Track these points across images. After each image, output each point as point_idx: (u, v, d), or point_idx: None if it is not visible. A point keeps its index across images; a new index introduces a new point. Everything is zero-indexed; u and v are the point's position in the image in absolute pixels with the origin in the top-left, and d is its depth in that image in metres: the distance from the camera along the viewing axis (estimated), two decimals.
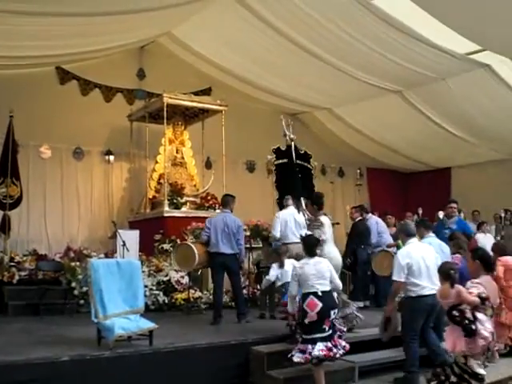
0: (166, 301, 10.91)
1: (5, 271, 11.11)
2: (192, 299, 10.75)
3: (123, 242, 9.78)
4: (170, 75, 14.43)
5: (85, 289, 10.10)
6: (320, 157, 17.29)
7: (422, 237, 7.96)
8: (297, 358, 6.79)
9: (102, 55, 13.64)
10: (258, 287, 10.99)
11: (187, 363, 7.25)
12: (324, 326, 6.80)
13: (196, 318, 9.93)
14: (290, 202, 10.08)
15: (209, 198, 13.42)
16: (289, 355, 6.93)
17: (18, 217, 13.06)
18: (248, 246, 11.29)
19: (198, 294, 10.87)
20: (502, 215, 14.00)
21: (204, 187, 13.81)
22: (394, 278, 7.23)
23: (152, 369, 6.99)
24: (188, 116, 14.72)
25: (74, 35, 11.31)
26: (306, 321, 6.84)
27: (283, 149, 10.92)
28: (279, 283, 9.29)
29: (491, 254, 8.41)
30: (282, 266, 9.27)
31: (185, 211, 12.95)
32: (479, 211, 14.39)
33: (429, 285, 6.89)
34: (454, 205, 11.03)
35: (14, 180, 12.13)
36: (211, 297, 10.23)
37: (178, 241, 11.71)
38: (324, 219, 8.35)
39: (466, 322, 5.69)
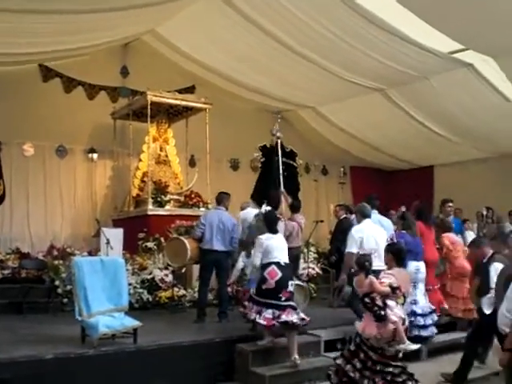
0: (150, 299, 10.91)
1: None
2: (176, 297, 10.78)
3: (107, 240, 9.77)
4: (153, 73, 14.38)
5: (68, 287, 10.07)
6: (304, 155, 17.41)
7: None
8: (259, 319, 7.47)
9: (85, 53, 13.55)
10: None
11: (171, 361, 7.28)
12: (280, 295, 7.51)
13: (180, 316, 9.96)
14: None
15: (193, 196, 13.39)
16: (246, 316, 7.70)
17: (0, 215, 13.02)
18: None
19: (182, 292, 10.91)
20: (484, 213, 14.15)
21: (188, 185, 13.79)
22: (347, 249, 8.34)
23: (136, 367, 7.01)
24: (172, 114, 14.68)
25: (58, 33, 11.23)
26: (264, 287, 7.58)
27: (269, 146, 11.01)
28: (247, 271, 9.20)
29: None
30: (249, 255, 9.15)
31: (169, 209, 12.92)
32: (461, 209, 14.49)
33: (376, 261, 7.33)
34: (451, 204, 11.60)
35: None
36: (195, 295, 10.22)
37: (162, 239, 11.72)
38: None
39: (376, 308, 6.16)
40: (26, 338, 7.76)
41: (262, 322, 7.48)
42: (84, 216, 14.44)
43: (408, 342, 6.29)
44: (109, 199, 14.77)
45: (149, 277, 11.17)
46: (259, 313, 7.52)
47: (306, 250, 12.87)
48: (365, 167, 19.38)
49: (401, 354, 6.28)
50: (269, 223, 8.16)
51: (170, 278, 11.01)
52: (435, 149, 16.75)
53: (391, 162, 19.02)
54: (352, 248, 8.26)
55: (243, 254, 9.48)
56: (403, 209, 12.26)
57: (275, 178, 10.99)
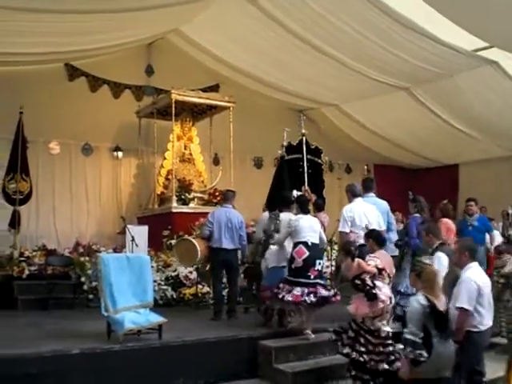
0: (174, 296, 10.98)
1: (14, 266, 11.23)
2: (200, 294, 10.83)
3: (132, 237, 9.86)
4: (178, 72, 14.49)
5: (94, 283, 10.21)
6: (327, 153, 17.23)
7: (362, 195, 9.01)
8: (288, 296, 7.75)
9: (110, 52, 13.68)
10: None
11: (196, 357, 7.34)
12: (309, 274, 7.85)
13: (204, 313, 9.97)
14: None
15: (216, 194, 13.45)
16: (279, 296, 7.86)
17: (27, 212, 13.16)
18: None
19: (206, 289, 10.93)
20: (510, 212, 14.00)
21: (212, 183, 13.87)
22: (339, 229, 8.59)
23: (161, 362, 7.07)
24: (196, 112, 14.78)
25: (83, 32, 11.36)
26: (293, 266, 7.94)
27: (294, 144, 11.02)
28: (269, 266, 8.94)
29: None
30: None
31: (193, 207, 13.02)
32: (486, 208, 14.37)
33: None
34: (472, 203, 11.53)
35: (23, 176, 12.25)
36: (230, 292, 10.17)
37: (195, 242, 11.74)
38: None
39: (367, 287, 6.55)
40: (52, 333, 7.86)
41: (290, 298, 7.76)
42: (109, 213, 14.59)
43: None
44: (133, 197, 14.90)
45: (173, 274, 11.25)
46: (289, 291, 7.81)
47: (329, 248, 12.85)
48: (389, 165, 19.32)
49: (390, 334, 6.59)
50: (301, 205, 8.53)
51: (194, 276, 11.06)
52: (460, 147, 16.65)
53: (415, 160, 18.93)
54: (344, 228, 8.48)
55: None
56: (410, 193, 12.22)
57: (297, 178, 10.96)
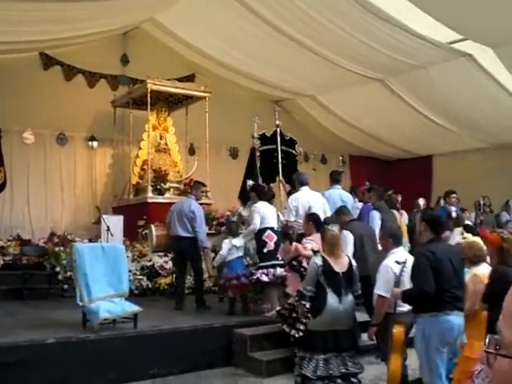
0: (150, 285, 11.01)
1: None
2: (175, 284, 10.85)
3: (107, 227, 9.86)
4: (153, 61, 14.42)
5: (69, 273, 10.19)
6: (303, 144, 17.31)
7: (330, 186, 9.75)
8: (264, 277, 8.24)
9: (85, 41, 13.60)
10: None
11: (171, 346, 7.38)
12: (278, 256, 8.41)
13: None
14: None
15: (192, 184, 13.44)
16: (254, 277, 8.34)
17: (1, 202, 13.13)
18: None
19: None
20: (481, 202, 14.22)
21: (187, 173, 13.87)
22: (285, 218, 8.93)
23: (137, 351, 7.10)
24: (172, 102, 14.75)
25: (59, 21, 11.30)
26: (265, 250, 8.44)
27: (268, 135, 11.08)
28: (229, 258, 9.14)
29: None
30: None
31: (168, 197, 12.99)
32: (459, 198, 14.57)
33: None
34: (455, 195, 12.30)
35: None
36: (193, 281, 10.29)
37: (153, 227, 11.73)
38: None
39: (302, 269, 7.15)
40: (27, 323, 7.86)
41: (278, 274, 8.23)
42: (84, 204, 14.53)
43: None
44: (109, 187, 14.85)
45: (148, 264, 11.27)
46: (266, 274, 8.29)
47: None
48: (364, 156, 19.45)
49: None
50: (257, 192, 9.04)
51: (169, 265, 11.09)
52: (434, 138, 16.81)
53: (390, 152, 19.09)
54: (289, 217, 8.79)
55: (227, 241, 9.43)
56: (399, 198, 12.44)
57: (271, 169, 11.04)
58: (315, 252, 7.04)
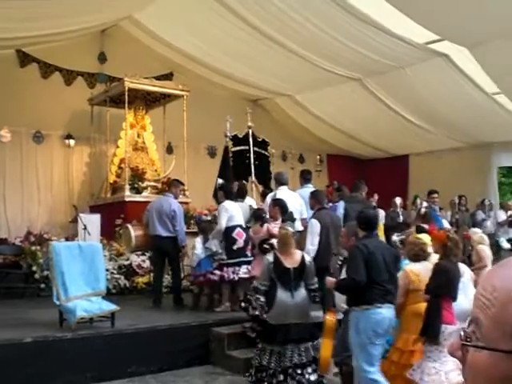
0: (128, 285, 11.00)
1: None
2: (153, 283, 10.83)
3: (84, 225, 9.79)
4: (131, 59, 14.36)
5: (45, 273, 10.14)
6: (281, 143, 17.53)
7: (301, 185, 9.66)
8: (235, 277, 8.57)
9: (63, 38, 13.51)
10: None
11: (149, 344, 7.39)
12: (247, 252, 8.84)
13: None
14: None
15: (170, 182, 13.45)
16: (220, 274, 8.66)
17: None
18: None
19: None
20: (457, 201, 14.36)
21: (165, 172, 13.85)
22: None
23: (114, 350, 7.10)
24: (149, 100, 14.69)
25: (35, 18, 11.20)
26: (235, 247, 8.77)
27: (241, 136, 11.15)
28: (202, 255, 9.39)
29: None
30: (206, 241, 9.45)
31: (146, 196, 12.95)
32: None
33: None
34: (436, 195, 12.64)
35: None
36: (171, 280, 10.31)
37: (130, 227, 11.73)
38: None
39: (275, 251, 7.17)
40: (3, 322, 7.79)
41: (242, 275, 8.56)
42: (61, 202, 14.40)
43: None
44: (86, 185, 14.74)
45: (126, 263, 11.25)
46: (234, 272, 8.62)
47: None
48: (341, 155, 19.55)
49: None
50: (225, 192, 9.31)
51: (147, 264, 11.08)
52: (410, 138, 16.95)
53: (367, 151, 19.21)
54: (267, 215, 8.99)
55: (199, 239, 9.55)
56: (376, 197, 12.60)
57: (244, 169, 11.12)
58: None
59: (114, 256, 11.38)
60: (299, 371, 6.16)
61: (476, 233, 10.62)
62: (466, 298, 6.39)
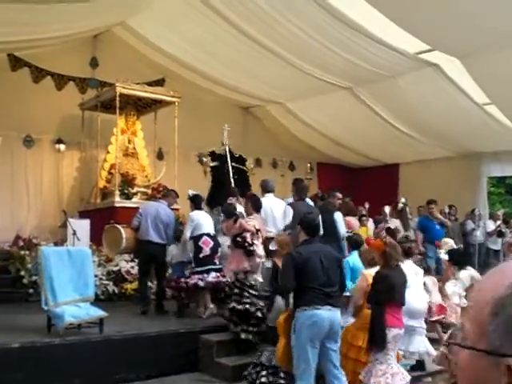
0: (116, 291, 10.95)
1: None
2: (141, 289, 10.79)
3: (74, 231, 9.75)
4: (123, 65, 14.38)
5: (34, 278, 10.09)
6: (271, 150, 17.58)
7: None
8: (200, 282, 8.79)
9: (55, 43, 13.50)
10: None
11: (137, 351, 7.37)
12: (215, 260, 9.03)
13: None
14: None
15: (160, 189, 13.38)
16: (185, 281, 8.93)
17: None
18: None
19: (148, 284, 10.93)
20: (447, 211, 14.42)
21: (155, 178, 13.83)
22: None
23: (102, 356, 7.07)
24: (141, 106, 14.68)
25: (28, 23, 11.17)
26: (201, 255, 8.95)
27: (218, 152, 11.29)
28: (173, 261, 9.74)
29: None
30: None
31: (136, 202, 12.92)
32: (424, 207, 14.77)
33: (273, 230, 8.65)
34: (433, 205, 13.19)
35: None
36: (156, 287, 10.24)
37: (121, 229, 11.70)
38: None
39: (247, 244, 7.71)
40: None
41: (210, 279, 8.84)
42: (50, 207, 14.35)
43: None
44: (76, 191, 14.71)
45: (115, 269, 11.21)
46: (201, 279, 8.79)
47: None
48: (331, 164, 19.58)
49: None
50: (194, 202, 9.58)
51: (135, 270, 11.04)
52: (401, 147, 17.02)
53: (357, 159, 19.25)
54: None
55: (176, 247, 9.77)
56: (367, 205, 12.67)
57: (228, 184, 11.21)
58: (256, 230, 7.79)
59: (103, 262, 11.34)
60: None
61: (446, 243, 10.77)
62: (417, 296, 7.19)
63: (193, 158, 16.77)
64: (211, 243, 9.03)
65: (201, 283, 8.84)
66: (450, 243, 10.59)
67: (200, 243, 8.97)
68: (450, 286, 8.17)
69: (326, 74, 13.73)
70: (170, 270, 9.95)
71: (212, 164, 11.41)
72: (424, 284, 7.90)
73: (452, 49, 11.58)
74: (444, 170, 17.26)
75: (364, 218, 12.57)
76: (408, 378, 5.95)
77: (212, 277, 8.87)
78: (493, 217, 15.66)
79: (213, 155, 11.51)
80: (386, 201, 14.01)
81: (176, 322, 8.59)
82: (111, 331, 7.51)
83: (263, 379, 6.50)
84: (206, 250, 8.97)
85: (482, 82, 12.54)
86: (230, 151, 11.54)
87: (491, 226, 15.04)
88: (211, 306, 9.01)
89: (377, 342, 5.71)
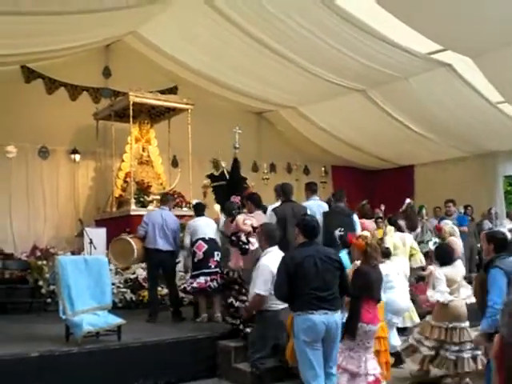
0: (134, 298, 10.97)
1: None
2: (159, 296, 10.82)
3: (90, 239, 9.79)
4: (136, 74, 14.44)
5: (52, 287, 10.15)
6: (285, 155, 17.59)
7: (307, 198, 9.42)
8: (188, 288, 9.24)
9: (67, 54, 13.59)
10: None
11: (155, 358, 7.37)
12: (210, 264, 9.18)
13: (163, 315, 9.98)
14: None
15: (175, 196, 13.43)
16: (183, 287, 9.44)
17: None
18: None
19: (165, 291, 10.94)
20: (462, 211, 14.32)
21: (170, 185, 13.87)
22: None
23: (121, 364, 7.08)
24: (154, 114, 14.74)
25: (40, 34, 11.24)
26: (195, 260, 9.25)
27: (217, 174, 11.35)
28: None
29: None
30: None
31: (151, 209, 12.94)
32: (440, 207, 14.68)
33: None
34: (451, 204, 13.18)
35: None
36: (169, 294, 10.23)
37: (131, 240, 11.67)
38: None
39: (241, 243, 7.79)
40: (10, 337, 7.82)
41: (195, 285, 9.07)
42: (66, 217, 14.43)
43: None
44: (91, 200, 14.79)
45: (132, 276, 11.23)
46: (192, 283, 9.16)
47: None
48: (346, 166, 19.54)
49: None
50: (195, 210, 10.01)
51: None
52: (415, 148, 16.95)
53: (372, 162, 19.20)
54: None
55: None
56: (382, 207, 12.62)
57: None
58: (254, 228, 7.77)
59: (120, 270, 11.36)
60: None
61: (447, 224, 10.70)
62: (398, 294, 7.62)
63: (207, 164, 16.80)
64: (205, 247, 9.26)
65: (187, 288, 9.26)
66: (449, 224, 10.64)
67: (194, 248, 9.30)
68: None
69: (338, 78, 13.72)
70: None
71: (213, 184, 11.47)
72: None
73: (464, 48, 11.54)
74: (459, 170, 17.19)
75: (380, 220, 12.49)
76: (378, 370, 6.20)
77: (197, 282, 9.11)
78: (510, 216, 15.52)
79: (212, 177, 11.63)
80: (402, 203, 13.93)
81: (193, 328, 8.58)
82: (129, 339, 7.52)
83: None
84: (200, 254, 9.24)
85: (495, 80, 12.50)
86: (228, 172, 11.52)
87: (508, 225, 14.91)
88: (204, 314, 9.27)
89: (348, 331, 5.98)
